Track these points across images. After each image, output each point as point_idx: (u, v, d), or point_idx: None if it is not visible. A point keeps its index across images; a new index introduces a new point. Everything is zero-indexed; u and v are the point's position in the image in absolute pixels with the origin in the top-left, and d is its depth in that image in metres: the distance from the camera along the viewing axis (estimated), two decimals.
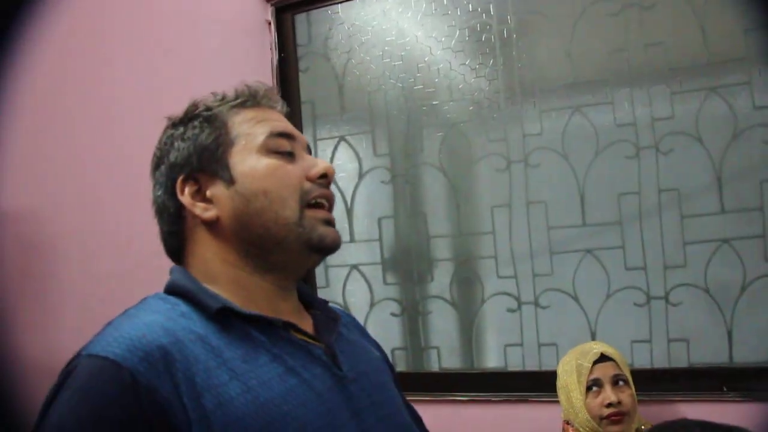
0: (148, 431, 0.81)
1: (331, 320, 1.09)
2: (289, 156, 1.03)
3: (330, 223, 1.03)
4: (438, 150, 2.51)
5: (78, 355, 0.88)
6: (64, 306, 2.75)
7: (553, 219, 2.38)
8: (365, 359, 1.11)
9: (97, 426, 0.81)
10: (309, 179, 1.02)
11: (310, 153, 1.09)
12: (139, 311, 0.94)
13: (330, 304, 1.15)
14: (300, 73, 2.64)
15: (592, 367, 1.91)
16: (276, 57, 2.61)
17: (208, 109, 1.05)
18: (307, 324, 1.05)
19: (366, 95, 2.58)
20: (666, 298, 2.28)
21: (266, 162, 1.00)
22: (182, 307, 0.95)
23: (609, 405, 1.87)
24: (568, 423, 1.96)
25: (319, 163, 1.05)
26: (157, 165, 1.07)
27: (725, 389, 2.19)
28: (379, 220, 2.57)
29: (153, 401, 0.82)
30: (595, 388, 1.90)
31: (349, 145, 2.61)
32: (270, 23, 2.61)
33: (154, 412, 0.82)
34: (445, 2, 2.49)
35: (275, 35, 2.61)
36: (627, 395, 1.91)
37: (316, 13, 2.64)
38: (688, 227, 2.26)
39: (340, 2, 2.60)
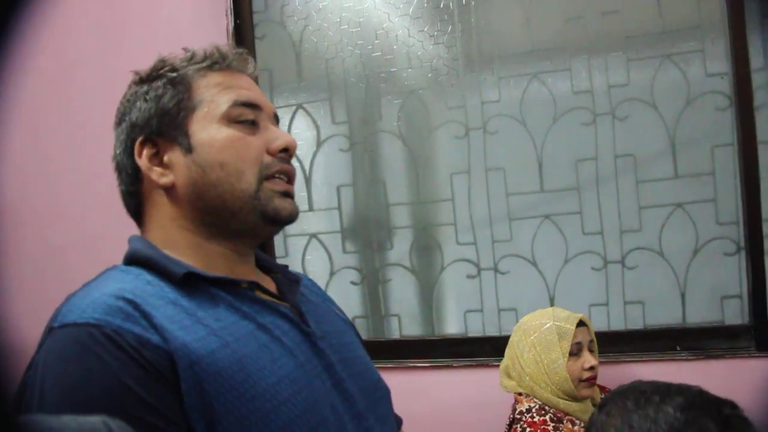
0: (154, 383, 0.81)
1: (293, 282, 1.09)
2: (252, 126, 1.01)
3: (288, 195, 1.02)
4: (396, 117, 2.50)
5: (50, 330, 0.85)
6: (20, 276, 2.66)
7: (511, 185, 2.40)
8: (329, 319, 1.11)
9: (107, 392, 0.79)
10: (270, 153, 1.01)
11: (277, 122, 1.07)
12: (102, 282, 0.92)
13: (290, 268, 1.15)
14: (256, 41, 2.60)
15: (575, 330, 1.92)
16: (231, 24, 2.56)
17: (174, 69, 1.02)
18: (270, 285, 1.06)
19: (323, 63, 2.56)
20: (622, 262, 2.33)
21: (226, 133, 0.98)
22: (146, 275, 0.93)
23: (591, 368, 1.90)
24: (520, 395, 1.96)
25: (281, 137, 1.03)
26: (119, 121, 1.04)
27: (678, 349, 2.25)
28: (338, 189, 2.56)
29: (146, 354, 0.82)
30: (575, 352, 1.91)
31: (307, 113, 2.58)
32: None
33: (152, 363, 0.82)
34: None
35: (230, 2, 2.55)
36: (597, 359, 1.93)
37: None
38: (643, 192, 2.31)
39: None
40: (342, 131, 2.56)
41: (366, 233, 2.55)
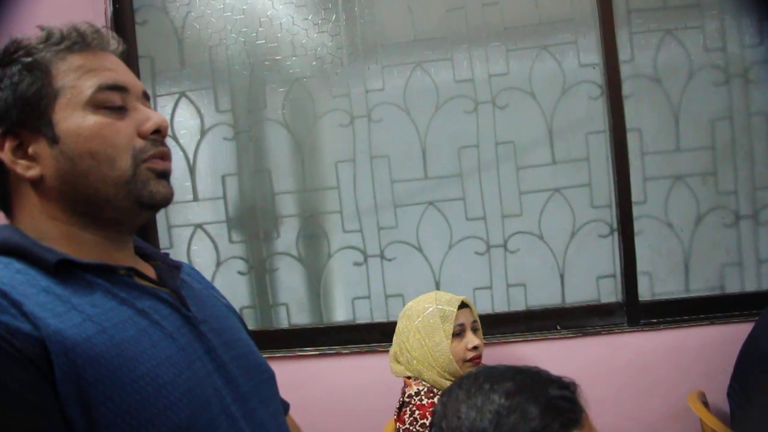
0: (24, 373, 0.78)
1: (173, 268, 1.07)
2: (120, 111, 0.95)
3: (165, 175, 0.99)
4: (281, 106, 2.49)
5: None
6: None
7: (396, 173, 2.44)
8: (211, 305, 1.10)
9: None
10: (141, 135, 0.96)
11: (148, 98, 1.03)
12: None
13: (170, 256, 1.13)
14: (137, 26, 2.52)
15: (457, 312, 1.96)
16: (110, 9, 2.47)
17: (29, 53, 0.95)
18: (149, 272, 1.03)
19: (207, 50, 2.51)
20: (504, 246, 2.40)
21: (93, 120, 0.93)
22: (15, 264, 0.89)
23: (474, 348, 1.94)
24: (409, 378, 1.98)
25: (152, 117, 0.98)
26: None
27: (559, 328, 2.34)
28: (223, 178, 2.52)
29: (16, 343, 0.78)
30: (459, 333, 1.95)
31: (191, 101, 2.53)
32: None
33: (22, 352, 0.78)
34: None
35: None
36: (481, 340, 1.98)
37: None
38: (523, 178, 2.39)
39: None
40: (226, 120, 2.52)
41: (252, 222, 2.52)
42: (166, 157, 0.99)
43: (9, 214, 0.99)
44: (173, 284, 1.02)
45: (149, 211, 0.99)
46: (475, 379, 0.92)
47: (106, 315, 0.88)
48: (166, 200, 0.98)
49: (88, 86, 0.94)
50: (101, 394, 0.81)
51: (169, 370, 0.89)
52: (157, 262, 1.08)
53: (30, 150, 0.93)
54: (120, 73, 0.98)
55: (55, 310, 0.84)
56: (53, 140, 0.92)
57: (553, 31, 2.39)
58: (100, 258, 0.95)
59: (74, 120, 0.93)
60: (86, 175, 0.93)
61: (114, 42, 1.01)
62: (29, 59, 0.94)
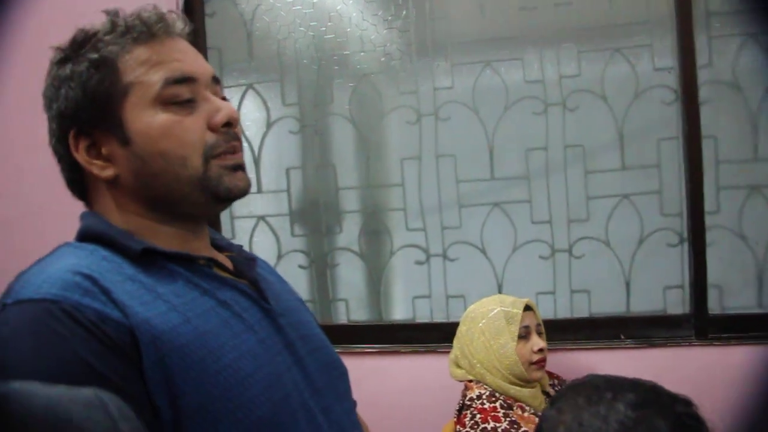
0: (115, 359, 0.79)
1: (249, 260, 1.07)
2: (189, 104, 0.94)
3: (239, 167, 0.98)
4: (348, 101, 2.48)
5: (3, 306, 0.82)
6: None
7: (462, 172, 2.41)
8: (286, 298, 1.10)
9: (66, 369, 0.76)
10: (212, 129, 0.95)
11: (218, 82, 1.02)
12: (56, 258, 0.88)
13: (244, 248, 1.13)
14: (206, 18, 2.54)
15: (522, 314, 1.94)
16: (181, 0, 2.49)
17: (96, 48, 0.94)
18: (226, 263, 1.03)
19: (275, 43, 2.51)
20: (569, 251, 2.36)
21: (162, 119, 0.92)
22: (101, 251, 0.90)
23: (540, 350, 1.92)
24: (471, 381, 1.97)
25: (222, 109, 0.96)
26: (48, 107, 0.97)
27: (622, 337, 2.29)
28: (287, 171, 2.52)
29: (106, 330, 0.79)
30: (524, 336, 1.93)
31: (257, 93, 2.54)
32: None
33: (112, 339, 0.79)
34: None
35: None
36: (545, 343, 1.96)
37: None
38: (591, 182, 2.34)
39: None
40: (292, 113, 2.52)
41: (315, 217, 2.52)
42: (237, 150, 0.98)
43: (89, 206, 1.00)
44: (251, 276, 1.01)
45: (227, 203, 0.99)
46: (594, 387, 0.91)
47: (189, 305, 0.89)
48: (244, 192, 0.98)
49: (155, 80, 0.92)
50: (186, 384, 0.82)
51: (250, 363, 0.90)
52: (232, 253, 1.08)
53: (104, 150, 0.94)
54: (187, 60, 0.96)
55: (142, 298, 0.85)
56: (124, 141, 0.93)
57: (627, 33, 2.34)
58: (179, 248, 0.96)
59: (143, 119, 0.92)
60: (159, 174, 0.93)
61: (180, 24, 1.00)
62: (96, 56, 0.93)
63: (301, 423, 0.93)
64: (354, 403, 1.21)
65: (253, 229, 2.53)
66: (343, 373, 1.12)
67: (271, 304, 1.00)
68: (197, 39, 2.50)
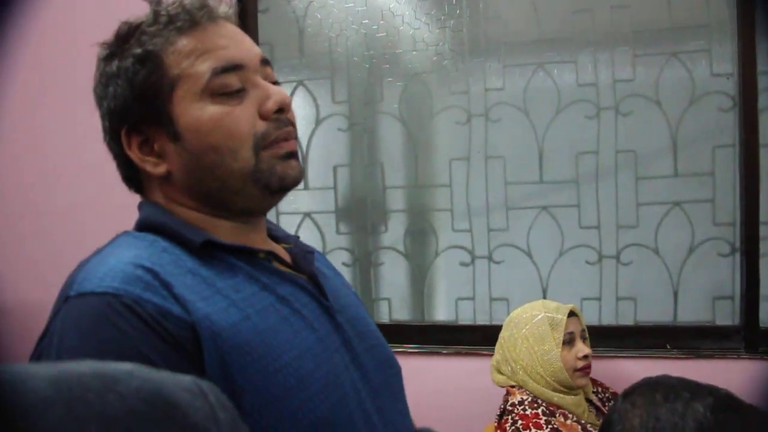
0: (175, 355, 0.78)
1: (307, 253, 1.05)
2: (239, 93, 0.92)
3: (291, 155, 0.95)
4: (398, 100, 2.47)
5: (66, 298, 0.81)
6: (19, 240, 2.60)
7: (510, 174, 2.39)
8: (344, 293, 1.08)
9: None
10: (263, 117, 0.92)
11: (268, 64, 0.98)
12: (117, 248, 0.88)
13: (300, 239, 1.11)
14: (259, 14, 2.56)
15: (566, 320, 1.92)
16: None
17: (140, 42, 0.92)
18: (284, 256, 1.02)
19: (327, 40, 2.52)
20: (617, 257, 2.32)
21: (211, 111, 0.90)
22: (161, 242, 0.89)
23: (584, 357, 1.89)
24: (513, 387, 1.95)
25: (273, 96, 0.93)
26: (99, 105, 0.97)
27: (669, 347, 2.25)
28: (335, 168, 2.53)
29: (167, 325, 0.79)
30: (568, 342, 1.91)
31: (308, 90, 2.55)
32: None
33: (173, 335, 0.79)
34: None
35: None
36: (590, 349, 1.93)
37: None
38: (642, 189, 2.30)
39: None
40: (342, 111, 2.53)
41: (361, 215, 2.52)
42: (290, 136, 0.96)
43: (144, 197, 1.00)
44: (309, 270, 1.00)
45: (281, 193, 0.97)
46: (671, 386, 0.91)
47: (249, 300, 0.88)
48: (296, 181, 0.96)
49: (203, 71, 0.90)
50: (246, 382, 0.81)
51: (310, 362, 0.88)
52: (290, 245, 1.06)
53: (156, 146, 0.93)
54: (233, 46, 0.94)
55: (202, 293, 0.84)
56: (175, 137, 0.92)
57: (685, 38, 2.29)
58: (239, 241, 0.95)
59: (192, 113, 0.91)
60: (212, 169, 0.92)
61: (223, 7, 0.96)
62: (140, 50, 0.92)
63: (358, 423, 0.92)
64: (406, 404, 1.19)
65: (299, 226, 2.55)
66: (397, 372, 1.09)
67: (330, 300, 0.98)
68: (250, 35, 2.51)
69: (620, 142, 2.31)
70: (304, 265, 1.00)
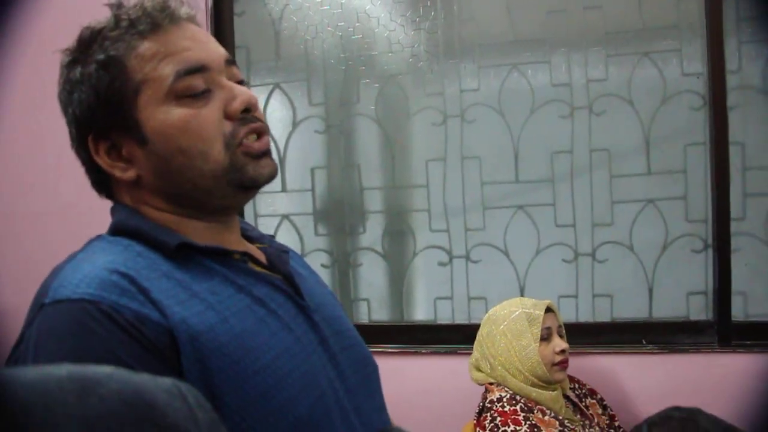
0: (154, 361, 0.78)
1: (282, 252, 1.05)
2: (204, 95, 0.91)
3: (264, 154, 0.95)
4: (374, 101, 2.49)
5: (41, 306, 0.81)
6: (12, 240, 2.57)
7: (486, 174, 2.41)
8: (319, 292, 1.08)
9: None
10: (229, 118, 0.92)
11: (232, 64, 0.97)
12: (91, 254, 0.87)
13: (276, 239, 1.11)
14: (235, 17, 2.55)
15: (543, 315, 1.94)
16: None
17: (103, 48, 0.91)
18: (259, 256, 1.01)
19: (303, 42, 2.53)
20: (593, 255, 2.35)
21: (177, 115, 0.90)
22: (136, 246, 0.89)
23: (562, 351, 1.92)
24: (492, 384, 1.97)
25: (238, 96, 0.93)
26: (64, 112, 0.96)
27: (644, 342, 2.28)
28: (312, 170, 2.53)
29: (145, 331, 0.79)
30: (546, 337, 1.93)
31: (284, 92, 2.55)
32: None
33: (150, 340, 0.79)
34: None
35: None
36: (567, 345, 1.96)
37: None
38: (616, 187, 2.34)
39: None
40: (318, 113, 2.53)
41: (339, 216, 2.53)
42: (261, 132, 0.95)
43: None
44: (285, 270, 1.00)
45: (253, 191, 0.98)
46: (701, 428, 0.94)
47: (225, 303, 0.88)
48: (270, 179, 0.96)
49: (166, 74, 0.90)
50: (225, 385, 0.82)
51: (288, 362, 0.88)
52: (265, 245, 1.06)
53: (123, 151, 0.93)
54: (197, 48, 0.93)
55: (179, 297, 0.84)
56: (142, 142, 0.91)
57: (656, 38, 2.33)
58: (213, 242, 0.94)
59: (158, 117, 0.90)
60: (181, 171, 0.91)
61: (185, 9, 0.95)
62: (103, 56, 0.91)
63: (336, 422, 0.92)
64: (383, 401, 1.20)
65: (277, 228, 2.55)
66: (374, 370, 1.09)
67: (305, 299, 0.98)
68: (226, 38, 2.52)
69: (594, 141, 2.35)
70: (279, 265, 1.00)
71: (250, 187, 0.95)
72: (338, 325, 1.04)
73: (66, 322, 0.78)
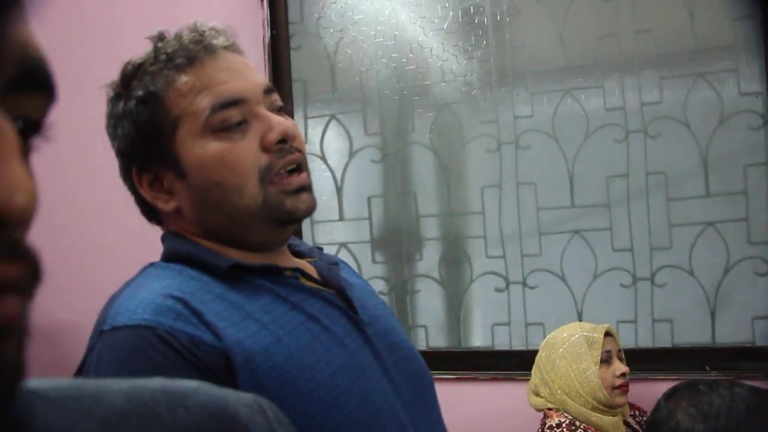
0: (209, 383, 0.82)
1: (332, 265, 1.05)
2: (241, 126, 0.92)
3: (302, 189, 0.95)
4: (429, 130, 2.52)
5: (101, 333, 0.84)
6: (70, 278, 2.69)
7: (542, 200, 2.41)
8: (372, 303, 1.08)
9: None
10: (266, 149, 0.92)
11: (272, 91, 0.98)
12: (146, 280, 0.91)
13: (324, 251, 1.12)
14: (292, 51, 2.63)
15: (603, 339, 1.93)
16: (268, 34, 2.59)
17: (142, 83, 0.94)
18: (310, 271, 1.02)
19: (358, 74, 2.59)
20: (651, 280, 2.32)
21: (213, 149, 0.91)
22: (189, 271, 0.91)
23: (622, 375, 1.91)
24: (551, 410, 1.96)
25: (274, 126, 0.93)
26: (112, 144, 0.99)
27: (707, 368, 2.23)
28: (369, 199, 2.58)
29: (200, 355, 0.81)
30: (606, 360, 1.92)
31: (340, 123, 2.62)
32: (262, 0, 2.60)
33: (206, 364, 0.81)
34: None
35: (267, 12, 2.59)
36: (627, 368, 1.94)
37: None
38: (674, 210, 2.31)
39: None
40: (374, 142, 2.58)
41: (396, 244, 2.57)
42: (298, 166, 0.95)
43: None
44: (337, 284, 1.00)
45: (292, 225, 0.98)
46: (706, 381, 1.03)
47: (279, 322, 0.89)
48: (307, 214, 0.97)
49: (202, 108, 0.91)
50: (281, 404, 0.81)
51: (344, 379, 0.89)
52: (315, 258, 1.07)
53: (164, 183, 0.95)
54: (233, 79, 0.94)
55: (233, 318, 0.86)
56: (181, 175, 0.93)
57: (711, 58, 2.30)
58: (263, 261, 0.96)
59: (195, 151, 0.92)
60: (218, 205, 0.93)
61: (222, 39, 0.96)
62: (142, 92, 0.93)
63: None
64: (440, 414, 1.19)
65: (335, 256, 2.59)
66: (429, 382, 1.09)
67: (359, 312, 0.99)
68: (283, 72, 2.60)
69: (650, 165, 2.32)
70: (330, 279, 1.01)
71: (287, 222, 0.95)
72: (392, 338, 1.04)
73: (123, 348, 0.81)
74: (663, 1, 2.34)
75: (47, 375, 0.46)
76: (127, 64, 0.97)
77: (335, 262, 1.07)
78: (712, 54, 2.30)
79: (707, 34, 2.30)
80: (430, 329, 2.53)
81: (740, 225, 2.26)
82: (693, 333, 2.30)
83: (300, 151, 0.97)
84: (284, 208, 0.93)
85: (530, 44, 2.44)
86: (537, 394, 2.01)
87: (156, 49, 0.95)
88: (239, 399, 0.54)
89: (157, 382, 0.50)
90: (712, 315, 2.28)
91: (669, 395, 1.02)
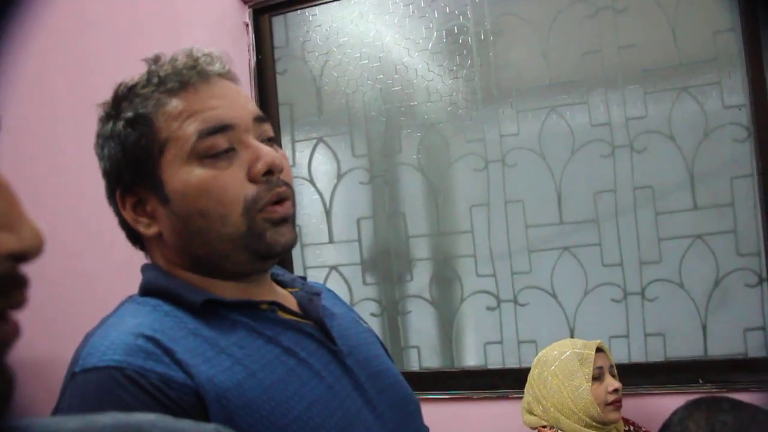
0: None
1: (313, 295, 1.03)
2: (228, 154, 0.90)
3: (284, 220, 0.93)
4: (416, 150, 2.53)
5: (72, 375, 0.83)
6: (48, 305, 2.68)
7: (530, 217, 2.42)
8: (354, 332, 1.06)
9: None
10: (252, 180, 0.91)
11: (263, 120, 0.96)
12: (120, 318, 0.89)
13: (308, 280, 1.10)
14: (277, 75, 2.65)
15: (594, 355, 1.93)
16: (253, 59, 2.61)
17: (132, 105, 0.92)
18: (290, 302, 1.00)
19: (344, 97, 2.60)
20: (642, 294, 2.32)
21: (198, 176, 0.89)
22: (164, 306, 0.90)
23: (615, 390, 1.90)
24: (545, 427, 1.95)
25: (262, 156, 0.91)
26: (99, 163, 0.98)
27: (701, 381, 2.23)
28: (358, 221, 2.58)
29: (170, 394, 0.80)
30: (598, 377, 1.92)
31: (328, 146, 2.62)
32: (248, 25, 2.61)
33: (177, 403, 0.80)
34: (422, 4, 2.52)
35: (253, 37, 2.61)
36: (620, 384, 1.93)
37: (294, 16, 2.65)
38: (663, 224, 2.31)
39: (318, 4, 2.61)
40: (362, 164, 2.59)
41: (386, 265, 2.56)
42: (283, 198, 0.93)
43: (149, 257, 1.01)
44: (316, 315, 0.98)
45: (271, 260, 0.96)
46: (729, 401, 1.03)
47: (253, 357, 0.87)
48: (286, 248, 0.94)
49: (190, 133, 0.90)
50: None
51: (320, 412, 0.88)
52: (296, 289, 1.05)
53: (148, 207, 0.94)
54: (224, 106, 0.92)
55: (205, 354, 0.85)
56: (164, 200, 0.91)
57: (694, 72, 2.31)
58: (239, 296, 0.94)
59: (180, 177, 0.90)
60: (200, 233, 0.91)
61: (217, 66, 0.95)
62: (132, 114, 0.92)
63: None
64: None
65: (326, 279, 2.59)
66: (415, 410, 1.08)
67: (338, 344, 0.97)
68: (269, 96, 2.61)
69: (637, 179, 2.33)
70: (310, 310, 0.99)
71: (266, 256, 0.93)
72: (374, 366, 1.02)
73: (93, 390, 0.80)
74: (645, 16, 2.35)
75: (35, 409, 0.45)
76: (120, 85, 0.96)
77: (317, 292, 1.05)
78: (695, 68, 2.31)
79: (690, 48, 2.31)
80: (422, 350, 2.52)
81: (728, 237, 2.27)
82: (685, 346, 2.29)
83: (287, 184, 0.95)
84: (264, 239, 0.92)
85: (515, 62, 2.45)
86: (531, 413, 2.00)
87: (149, 72, 0.94)
88: (200, 430, 0.52)
89: (110, 417, 0.49)
90: (704, 327, 2.28)
91: (691, 403, 1.02)
